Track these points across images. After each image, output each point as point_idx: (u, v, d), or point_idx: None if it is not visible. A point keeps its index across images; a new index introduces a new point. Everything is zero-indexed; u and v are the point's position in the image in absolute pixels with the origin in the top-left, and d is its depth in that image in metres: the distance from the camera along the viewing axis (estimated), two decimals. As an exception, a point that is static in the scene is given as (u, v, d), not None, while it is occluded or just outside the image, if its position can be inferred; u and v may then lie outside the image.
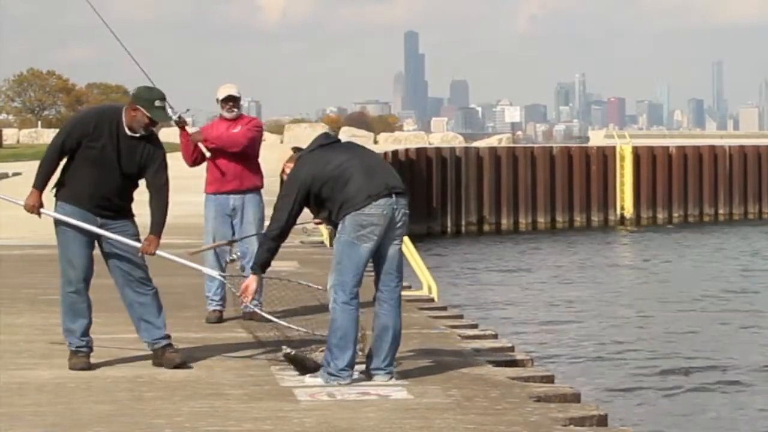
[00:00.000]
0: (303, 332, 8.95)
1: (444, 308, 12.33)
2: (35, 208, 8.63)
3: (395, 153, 38.83)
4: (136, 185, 8.74)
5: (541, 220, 42.61)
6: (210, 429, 6.99)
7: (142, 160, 8.58)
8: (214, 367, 8.77)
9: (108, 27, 10.96)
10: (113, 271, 8.70)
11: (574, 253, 34.17)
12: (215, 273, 9.88)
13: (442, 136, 71.59)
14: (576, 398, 8.01)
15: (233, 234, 10.83)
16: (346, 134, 61.37)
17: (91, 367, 8.64)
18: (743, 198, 45.39)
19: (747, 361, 16.35)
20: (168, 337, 8.77)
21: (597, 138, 73.65)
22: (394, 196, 8.11)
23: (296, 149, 8.51)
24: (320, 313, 9.39)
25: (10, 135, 68.32)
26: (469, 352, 9.52)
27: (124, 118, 8.57)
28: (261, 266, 8.32)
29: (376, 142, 62.77)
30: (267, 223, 8.97)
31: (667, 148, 45.65)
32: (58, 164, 8.63)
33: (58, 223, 8.64)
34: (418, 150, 41.91)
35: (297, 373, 8.34)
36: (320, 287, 9.21)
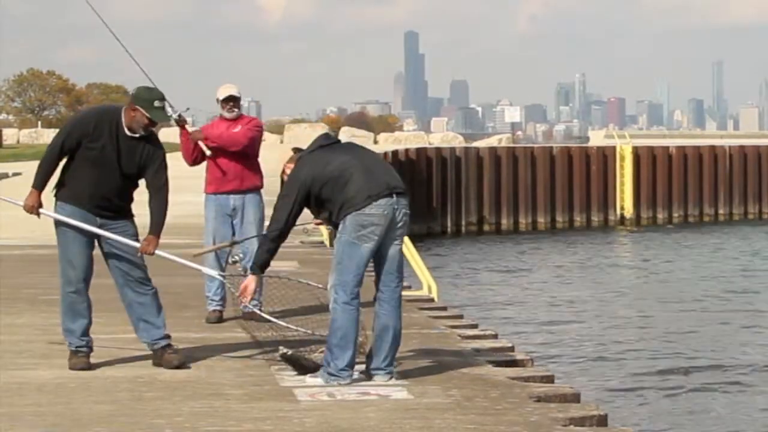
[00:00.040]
0: (303, 332, 8.94)
1: (444, 308, 12.33)
2: (34, 208, 8.63)
3: (395, 153, 38.79)
4: (136, 185, 8.74)
5: (541, 220, 42.58)
6: (210, 429, 6.99)
7: (142, 160, 8.58)
8: (214, 367, 8.76)
9: (108, 27, 10.95)
10: (113, 271, 8.71)
11: (574, 253, 34.15)
12: (215, 273, 9.87)
13: (442, 136, 71.53)
14: (576, 398, 8.00)
15: (233, 234, 10.82)
16: (346, 134, 61.42)
17: (91, 367, 8.64)
18: (743, 198, 45.35)
19: (747, 361, 16.35)
20: (168, 337, 8.77)
21: (597, 138, 73.58)
22: (394, 196, 8.11)
23: (296, 150, 8.51)
24: (320, 313, 9.38)
25: (10, 135, 68.29)
26: (469, 352, 9.51)
27: (123, 119, 8.57)
28: (260, 266, 8.32)
29: (376, 142, 62.75)
30: (267, 223, 8.97)
31: (667, 148, 45.62)
32: (57, 164, 8.63)
33: (58, 223, 8.63)
34: (418, 150, 41.89)
35: (296, 373, 8.34)
36: (320, 285, 9.21)
